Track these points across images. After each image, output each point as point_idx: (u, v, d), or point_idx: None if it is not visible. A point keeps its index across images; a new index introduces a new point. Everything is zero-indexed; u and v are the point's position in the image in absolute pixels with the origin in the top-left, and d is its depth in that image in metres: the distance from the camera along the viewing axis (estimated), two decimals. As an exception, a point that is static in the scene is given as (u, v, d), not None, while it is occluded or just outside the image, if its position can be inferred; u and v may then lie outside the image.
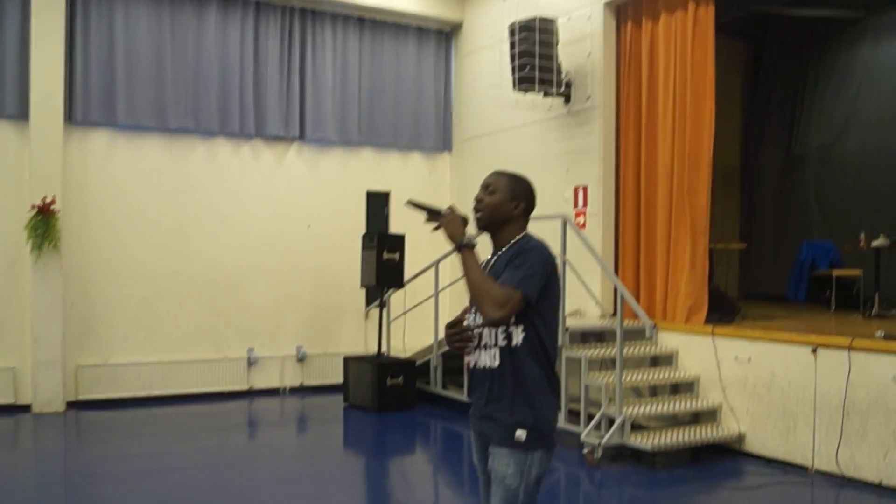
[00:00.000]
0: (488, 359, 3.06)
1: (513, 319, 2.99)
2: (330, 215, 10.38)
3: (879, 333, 6.33)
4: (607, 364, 7.61)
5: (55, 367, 8.75)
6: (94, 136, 9.30)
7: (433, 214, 3.15)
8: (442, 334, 8.92)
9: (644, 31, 8.47)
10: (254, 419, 9.23)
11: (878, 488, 6.05)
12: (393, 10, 10.58)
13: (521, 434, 2.97)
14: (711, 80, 7.84)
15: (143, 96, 9.38)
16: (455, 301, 10.35)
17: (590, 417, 7.17)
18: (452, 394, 9.07)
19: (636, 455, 6.91)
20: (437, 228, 3.12)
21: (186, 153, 9.73)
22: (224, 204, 9.88)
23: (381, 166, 10.80)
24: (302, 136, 10.26)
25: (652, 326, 7.16)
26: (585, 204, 8.82)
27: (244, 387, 9.84)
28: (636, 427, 7.45)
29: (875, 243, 8.69)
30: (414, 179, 10.91)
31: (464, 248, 3.01)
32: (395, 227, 10.39)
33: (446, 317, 9.62)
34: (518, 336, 3.01)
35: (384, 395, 8.90)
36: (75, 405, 8.98)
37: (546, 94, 8.83)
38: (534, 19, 8.61)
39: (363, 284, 9.50)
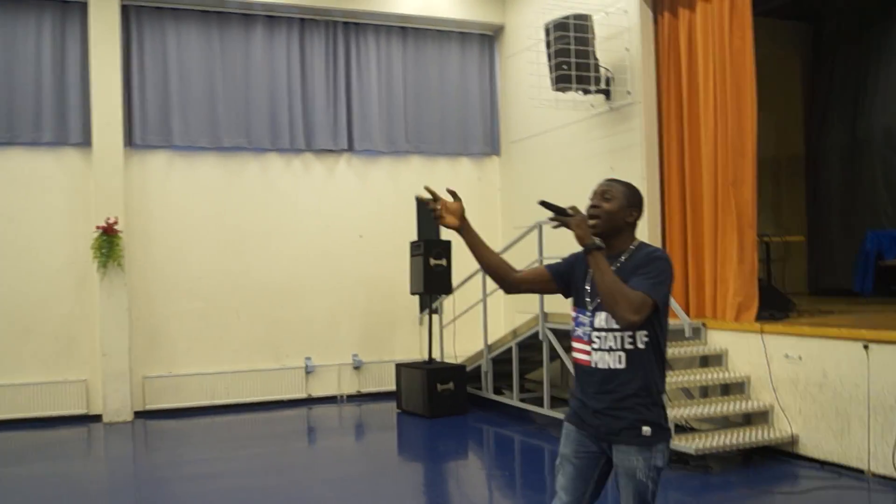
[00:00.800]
0: (612, 361, 3.15)
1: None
2: (381, 224, 10.45)
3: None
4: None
5: (123, 378, 9.12)
6: (152, 158, 9.64)
7: (560, 214, 3.18)
8: (491, 339, 8.96)
9: (681, 21, 8.26)
10: (311, 426, 9.36)
11: (935, 490, 5.78)
12: (434, 17, 10.61)
13: (647, 430, 3.10)
14: (751, 67, 7.57)
15: (197, 117, 9.68)
16: (503, 305, 10.31)
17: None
18: (504, 399, 9.01)
19: (684, 459, 6.75)
20: (558, 226, 3.20)
21: (240, 170, 9.97)
22: (278, 217, 10.08)
23: (430, 173, 10.80)
24: (350, 148, 10.36)
25: (691, 325, 6.95)
26: (631, 202, 8.63)
27: (302, 395, 10.00)
28: (686, 429, 7.30)
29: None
30: (463, 185, 10.86)
31: (595, 249, 3.07)
32: (447, 234, 10.38)
33: (495, 321, 9.60)
34: (642, 340, 3.13)
35: (435, 401, 8.90)
36: (143, 414, 9.33)
37: (585, 92, 8.69)
38: (568, 17, 8.48)
39: (412, 291, 9.53)
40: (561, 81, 8.54)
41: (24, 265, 9.07)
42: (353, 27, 10.38)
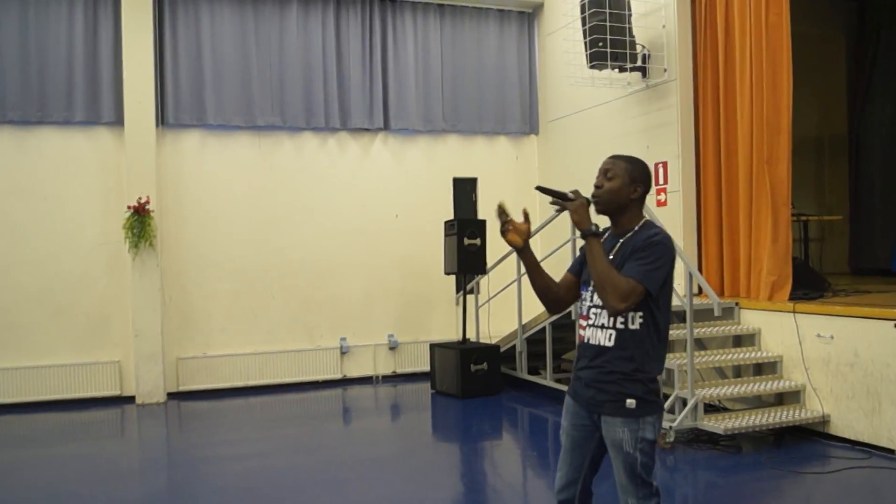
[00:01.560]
0: (604, 338, 3.20)
1: None
2: (417, 204, 10.44)
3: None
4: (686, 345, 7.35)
5: (155, 359, 9.18)
6: (186, 137, 9.67)
7: (560, 198, 3.22)
8: (525, 319, 8.90)
9: (719, -3, 8.13)
10: (345, 407, 9.39)
11: (967, 471, 5.64)
12: (473, -7, 10.54)
13: (631, 403, 3.13)
14: (787, 43, 7.42)
15: (231, 95, 9.69)
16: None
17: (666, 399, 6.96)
18: (539, 379, 8.98)
19: (714, 439, 6.67)
20: (560, 211, 3.26)
21: (275, 149, 10.00)
22: (313, 197, 10.11)
23: (468, 152, 10.78)
24: (387, 127, 10.35)
25: (722, 305, 6.85)
26: (666, 181, 8.54)
27: (337, 376, 10.05)
28: (719, 409, 7.22)
29: None
30: (501, 164, 10.84)
31: (590, 235, 3.13)
32: (482, 213, 10.37)
33: (529, 302, 9.55)
34: (636, 321, 3.15)
35: (469, 382, 8.90)
36: (176, 396, 9.40)
37: (621, 69, 8.59)
38: (604, -7, 8.39)
39: (446, 271, 9.52)
40: (596, 59, 8.44)
41: (57, 245, 9.15)
42: (390, 4, 10.36)
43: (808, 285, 7.49)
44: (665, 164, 8.54)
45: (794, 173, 7.73)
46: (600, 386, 3.22)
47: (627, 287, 3.04)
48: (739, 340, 7.53)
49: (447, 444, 7.81)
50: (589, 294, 3.29)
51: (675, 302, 7.38)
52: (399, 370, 10.32)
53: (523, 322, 9.05)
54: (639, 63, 8.61)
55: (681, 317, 7.63)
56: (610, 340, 3.19)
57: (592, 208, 3.23)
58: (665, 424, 6.58)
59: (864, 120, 10.52)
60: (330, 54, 10.07)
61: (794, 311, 6.93)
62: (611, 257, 3.20)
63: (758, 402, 7.18)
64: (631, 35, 8.50)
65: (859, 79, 10.71)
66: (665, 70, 8.50)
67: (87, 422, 8.64)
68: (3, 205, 9.02)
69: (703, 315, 7.38)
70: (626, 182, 3.22)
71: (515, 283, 9.10)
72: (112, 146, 9.36)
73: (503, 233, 3.32)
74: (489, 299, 9.74)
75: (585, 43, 8.52)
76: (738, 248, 7.98)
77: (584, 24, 8.52)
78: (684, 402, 6.70)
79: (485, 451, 7.49)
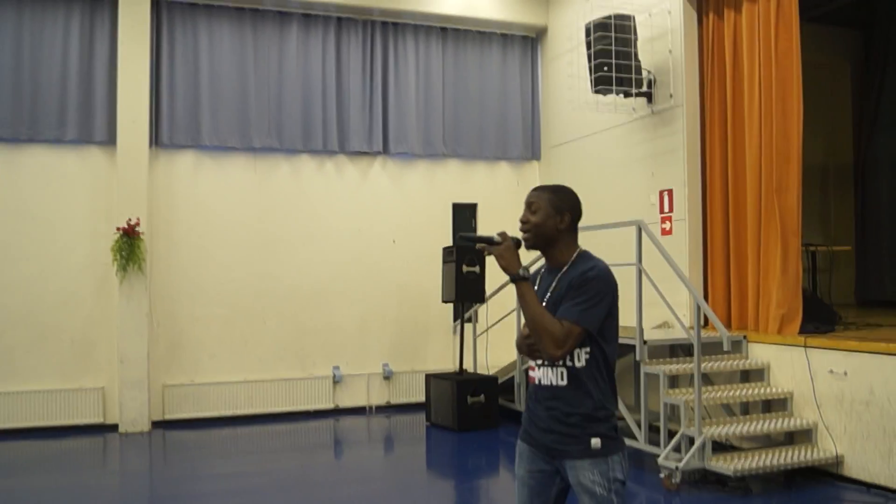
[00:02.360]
0: (555, 378, 3.06)
1: None
2: (416, 229, 10.19)
3: None
4: (692, 380, 7.07)
5: (140, 386, 8.87)
6: (180, 158, 9.45)
7: (486, 243, 3.09)
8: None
9: (727, 22, 7.92)
10: (337, 439, 9.07)
11: None
12: (476, 17, 10.35)
13: (596, 442, 2.98)
14: (797, 70, 7.20)
15: (227, 116, 9.48)
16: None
17: (672, 437, 6.66)
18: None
19: (722, 480, 6.37)
20: (489, 254, 3.10)
21: (271, 171, 9.77)
22: (309, 221, 9.86)
23: (468, 178, 10.55)
24: (386, 150, 10.13)
25: (731, 339, 6.56)
26: (671, 209, 8.30)
27: (329, 405, 9.74)
28: (727, 448, 6.92)
29: None
30: (502, 190, 10.59)
31: (519, 280, 3.00)
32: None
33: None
34: (582, 357, 3.02)
35: (465, 414, 8.60)
36: (161, 424, 9.08)
37: (626, 94, 8.38)
38: (609, 17, 8.19)
39: (444, 299, 9.24)
40: (601, 83, 8.24)
41: (43, 266, 8.88)
42: (392, 27, 10.17)
43: (819, 318, 7.22)
44: (671, 192, 8.30)
45: (801, 202, 7.50)
46: (561, 429, 3.04)
47: (562, 332, 2.92)
48: (748, 376, 7.24)
49: (442, 481, 7.50)
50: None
51: (682, 335, 7.15)
52: (393, 401, 10.01)
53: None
54: (644, 88, 8.41)
55: (687, 350, 7.37)
56: (563, 379, 3.04)
57: (524, 247, 3.12)
58: (671, 464, 6.30)
59: (871, 149, 10.33)
60: (329, 76, 9.86)
61: (805, 346, 6.65)
62: (548, 296, 3.08)
63: (767, 441, 6.89)
64: (637, 59, 8.31)
65: (865, 108, 10.52)
66: (671, 95, 8.29)
67: (67, 451, 8.30)
68: (-9, 224, 8.78)
69: (710, 349, 7.10)
70: (551, 213, 3.10)
71: (515, 313, 8.81)
72: (104, 166, 9.11)
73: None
74: (487, 329, 9.47)
75: (590, 67, 8.34)
76: (746, 280, 7.72)
77: (589, 47, 8.33)
78: (691, 441, 6.41)
79: (481, 489, 7.20)
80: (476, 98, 10.54)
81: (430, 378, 9.15)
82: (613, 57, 8.12)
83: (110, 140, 9.02)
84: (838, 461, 6.34)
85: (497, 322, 9.32)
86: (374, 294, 10.04)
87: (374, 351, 10.01)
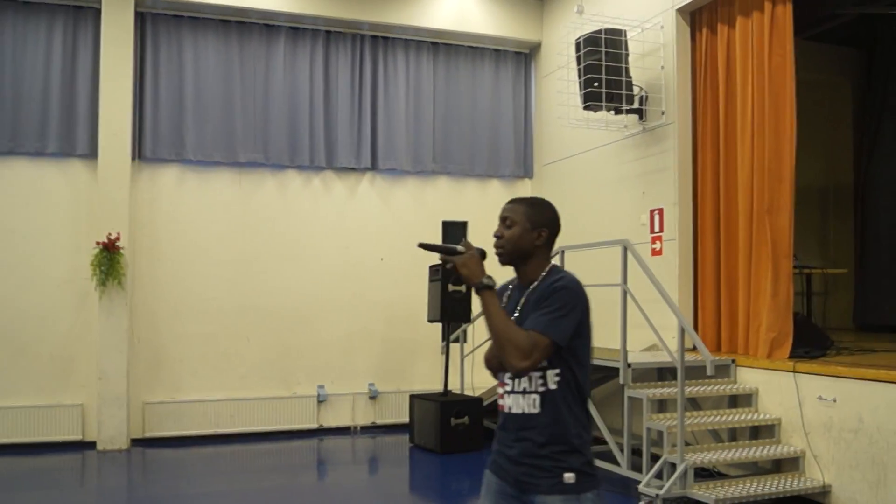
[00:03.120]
0: (527, 405, 2.86)
1: (545, 363, 2.80)
2: (404, 247, 9.97)
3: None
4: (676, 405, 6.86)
5: (119, 403, 8.67)
6: (163, 172, 9.29)
7: (448, 253, 2.90)
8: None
9: (720, 38, 7.75)
10: (320, 459, 8.87)
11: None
12: (468, 32, 10.17)
13: (570, 476, 2.78)
14: (791, 87, 7.03)
15: (212, 131, 9.32)
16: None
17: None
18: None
19: (706, 508, 6.14)
20: (451, 267, 2.90)
21: (256, 187, 9.60)
22: (294, 237, 9.68)
23: (458, 195, 10.36)
24: (374, 167, 9.95)
25: (714, 362, 6.34)
26: (662, 228, 8.11)
27: (313, 425, 9.53)
28: (713, 475, 6.70)
29: None
30: (493, 208, 10.17)
31: (483, 289, 2.82)
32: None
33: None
34: (553, 380, 2.83)
35: (448, 436, 8.37)
36: (141, 442, 8.89)
37: (617, 111, 8.20)
38: (600, 32, 8.03)
39: (430, 319, 9.04)
40: (591, 99, 8.07)
41: (23, 280, 8.72)
42: (382, 41, 10.01)
43: (811, 343, 6.99)
44: (661, 211, 8.11)
45: (798, 224, 7.31)
46: (532, 461, 2.83)
47: (528, 342, 2.70)
48: (735, 401, 7.01)
49: (424, 504, 7.29)
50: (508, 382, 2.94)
51: (666, 358, 6.94)
52: (379, 421, 9.80)
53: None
54: (636, 105, 8.23)
55: (676, 374, 7.16)
56: (535, 406, 2.84)
57: (495, 259, 2.96)
58: (652, 492, 6.08)
59: (871, 170, 10.10)
60: (317, 90, 9.70)
61: (794, 371, 6.42)
62: (517, 313, 2.89)
63: (754, 469, 6.65)
64: (628, 76, 8.14)
65: (866, 128, 10.32)
66: (663, 113, 8.11)
67: (44, 468, 8.07)
68: (-32, 237, 8.63)
69: (697, 373, 6.86)
70: (528, 228, 2.93)
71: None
72: (85, 179, 8.95)
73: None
74: (474, 349, 9.26)
75: (580, 83, 8.17)
76: (736, 302, 7.50)
77: (579, 62, 8.17)
78: (674, 467, 6.18)
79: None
80: (467, 114, 10.37)
81: (415, 399, 8.94)
82: (603, 72, 7.95)
83: (92, 153, 8.85)
84: (825, 491, 6.10)
85: (484, 342, 9.10)
86: (361, 312, 9.85)
87: (360, 370, 9.81)
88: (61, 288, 8.83)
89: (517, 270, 3.00)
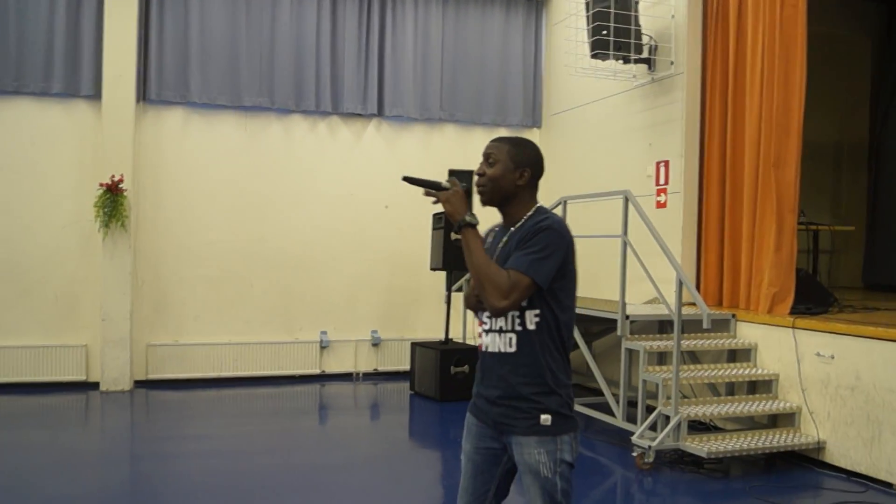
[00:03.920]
0: (503, 344, 2.81)
1: (525, 303, 2.74)
2: (409, 195, 9.61)
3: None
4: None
5: (122, 345, 8.73)
6: (168, 115, 9.23)
7: (432, 188, 2.90)
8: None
9: (732, -15, 7.58)
10: (321, 404, 8.93)
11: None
12: (479, -22, 10.00)
13: (546, 418, 2.76)
14: (802, 39, 6.87)
15: (217, 74, 9.23)
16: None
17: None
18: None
19: (698, 461, 6.14)
20: (436, 202, 2.91)
21: (261, 131, 9.54)
22: (299, 183, 9.63)
23: (465, 143, 10.23)
24: (380, 113, 9.85)
25: (711, 316, 6.28)
26: (667, 181, 8.01)
27: (316, 371, 9.58)
28: (708, 429, 6.70)
29: None
30: (500, 157, 10.29)
31: (465, 227, 2.80)
32: (479, 207, 9.83)
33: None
34: (532, 320, 2.77)
35: (447, 384, 8.41)
36: (144, 384, 8.97)
37: (625, 60, 8.07)
38: (609, -22, 7.87)
39: (432, 267, 9.02)
40: (599, 48, 7.94)
41: (27, 221, 8.73)
42: (390, -15, 9.88)
43: (812, 299, 6.93)
44: (667, 163, 8.01)
45: (811, 181, 7.22)
46: (509, 402, 2.80)
47: (508, 281, 2.66)
48: (735, 355, 6.98)
49: (422, 451, 7.34)
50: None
51: (664, 311, 6.90)
52: (381, 368, 9.84)
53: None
54: (644, 54, 8.10)
55: (670, 326, 7.13)
56: (511, 345, 2.80)
57: (478, 199, 2.91)
58: (645, 443, 6.08)
59: (887, 127, 9.89)
60: (324, 34, 9.57)
61: (793, 327, 6.37)
62: (498, 252, 2.85)
63: (751, 423, 6.65)
64: (637, 24, 8.00)
65: (883, 84, 10.10)
66: (672, 63, 7.96)
67: (48, 407, 8.19)
68: (-27, 176, 8.63)
69: (697, 326, 6.82)
70: (510, 167, 2.86)
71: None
72: (90, 120, 8.90)
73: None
74: (476, 298, 9.22)
75: (588, 30, 8.02)
76: (739, 256, 7.43)
77: (587, 9, 8.02)
78: (668, 420, 6.17)
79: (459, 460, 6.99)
80: (476, 61, 10.22)
81: (416, 346, 8.96)
82: (612, 20, 7.81)
83: (97, 94, 8.80)
84: (820, 447, 6.10)
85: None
86: (365, 259, 9.84)
87: (362, 317, 9.83)
88: (66, 229, 8.84)
89: (501, 212, 2.95)
